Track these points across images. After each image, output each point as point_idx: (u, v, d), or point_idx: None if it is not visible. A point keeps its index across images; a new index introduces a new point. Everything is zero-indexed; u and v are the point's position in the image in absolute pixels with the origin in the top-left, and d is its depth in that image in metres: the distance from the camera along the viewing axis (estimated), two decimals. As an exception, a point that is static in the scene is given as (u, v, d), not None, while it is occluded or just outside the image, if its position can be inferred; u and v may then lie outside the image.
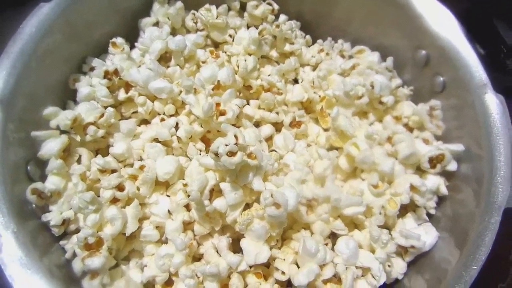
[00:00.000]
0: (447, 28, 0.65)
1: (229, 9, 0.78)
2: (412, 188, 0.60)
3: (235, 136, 0.52)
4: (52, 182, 0.55)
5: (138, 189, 0.58)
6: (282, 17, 0.76)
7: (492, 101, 0.58)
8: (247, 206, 0.58)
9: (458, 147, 0.61)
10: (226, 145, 0.51)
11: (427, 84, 0.69)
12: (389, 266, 0.58)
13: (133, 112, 0.68)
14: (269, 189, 0.54)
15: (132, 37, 0.74)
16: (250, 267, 0.55)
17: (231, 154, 0.51)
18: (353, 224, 0.62)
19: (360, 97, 0.69)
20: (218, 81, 0.66)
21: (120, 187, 0.57)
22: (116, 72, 0.65)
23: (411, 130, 0.69)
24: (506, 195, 0.53)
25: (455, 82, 0.63)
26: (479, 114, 0.58)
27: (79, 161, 0.60)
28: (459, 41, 0.63)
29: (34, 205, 0.55)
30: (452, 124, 0.65)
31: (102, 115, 0.60)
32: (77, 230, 0.56)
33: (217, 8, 0.74)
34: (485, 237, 0.51)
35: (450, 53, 0.63)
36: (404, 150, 0.61)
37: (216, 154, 0.52)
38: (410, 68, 0.73)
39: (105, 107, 0.65)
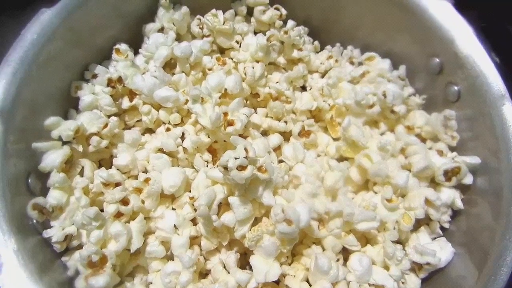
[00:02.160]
0: (462, 35, 0.62)
1: (236, 14, 0.76)
2: (427, 201, 0.58)
3: (245, 149, 0.50)
4: (53, 197, 0.53)
5: (143, 202, 0.56)
6: (290, 23, 0.74)
7: (511, 112, 0.56)
8: (256, 220, 0.56)
9: (475, 159, 0.59)
10: (236, 159, 0.49)
11: (440, 93, 0.67)
12: (402, 283, 0.56)
13: (137, 121, 0.66)
14: (280, 204, 0.52)
15: (135, 43, 0.72)
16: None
17: (241, 168, 0.49)
18: (365, 238, 0.60)
19: (371, 106, 0.67)
20: (225, 89, 0.64)
21: (124, 201, 0.54)
22: (119, 79, 0.63)
23: (424, 140, 0.67)
24: (527, 213, 0.51)
25: (471, 92, 0.61)
26: (497, 126, 0.56)
27: (81, 173, 0.58)
28: (475, 48, 0.61)
29: (34, 221, 0.52)
30: (466, 135, 0.63)
31: (106, 125, 0.58)
32: (80, 246, 0.54)
33: (223, 13, 0.72)
34: (506, 256, 0.49)
35: (465, 61, 0.61)
36: (418, 163, 0.59)
37: (226, 168, 0.49)
38: (422, 76, 0.71)
39: (108, 116, 0.63)
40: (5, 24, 0.75)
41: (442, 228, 0.61)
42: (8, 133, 0.52)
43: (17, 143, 0.53)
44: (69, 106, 0.64)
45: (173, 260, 0.55)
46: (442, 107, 0.66)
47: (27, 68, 0.55)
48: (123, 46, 0.67)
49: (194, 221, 0.57)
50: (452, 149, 0.64)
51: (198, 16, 0.73)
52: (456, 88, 0.64)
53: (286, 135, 0.69)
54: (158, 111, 0.65)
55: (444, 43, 0.64)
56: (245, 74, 0.67)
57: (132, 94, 0.65)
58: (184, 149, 0.61)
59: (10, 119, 0.52)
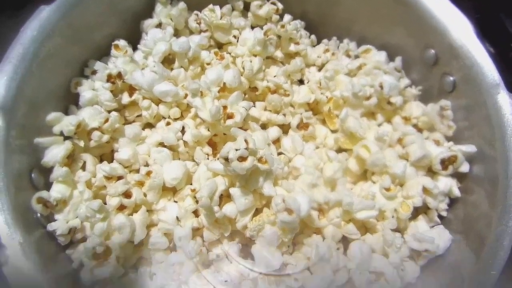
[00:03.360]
0: (456, 26, 0.63)
1: (233, 9, 0.76)
2: (424, 190, 0.59)
3: (245, 141, 0.51)
4: (57, 191, 0.54)
5: (145, 195, 0.57)
6: (287, 17, 0.75)
7: (505, 101, 0.56)
8: (257, 210, 0.57)
9: (471, 148, 0.60)
10: (237, 150, 0.50)
11: (436, 84, 0.68)
12: (402, 270, 0.57)
13: (137, 116, 0.67)
14: (280, 194, 0.53)
15: (134, 39, 0.72)
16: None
17: (242, 159, 0.50)
18: (364, 227, 0.61)
19: (368, 97, 0.68)
20: (224, 83, 0.64)
21: (126, 194, 0.55)
22: (119, 75, 0.63)
23: (420, 131, 0.68)
24: (523, 198, 0.52)
25: (466, 82, 0.62)
26: (492, 114, 0.57)
27: (83, 167, 0.59)
28: (469, 39, 0.61)
29: (39, 214, 0.53)
30: (462, 125, 0.64)
31: (107, 120, 0.59)
32: (84, 239, 0.55)
33: (220, 8, 0.73)
34: (503, 241, 0.50)
35: (460, 51, 0.61)
36: (415, 152, 0.60)
37: (226, 159, 0.50)
38: (418, 68, 0.72)
39: (109, 111, 0.63)
40: (4, 24, 0.76)
41: (440, 216, 0.62)
42: (10, 129, 0.52)
43: (19, 139, 0.54)
44: (69, 102, 0.65)
45: (176, 251, 0.56)
46: (438, 97, 0.67)
47: (27, 65, 0.56)
48: (122, 42, 0.68)
49: (196, 213, 0.58)
50: (448, 138, 0.65)
51: (195, 12, 0.74)
52: (451, 78, 0.64)
53: (284, 128, 0.70)
54: (157, 105, 0.65)
55: (439, 34, 0.65)
56: (243, 68, 0.68)
57: (131, 90, 0.65)
58: (185, 142, 0.62)
59: (11, 115, 0.53)
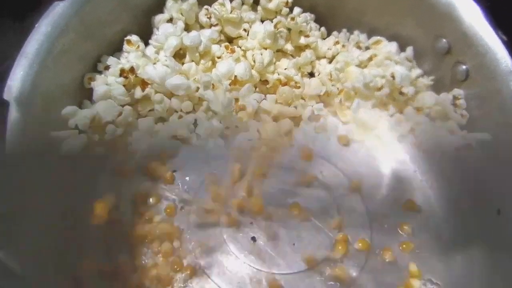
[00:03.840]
0: (468, 14, 0.63)
1: (243, 3, 0.77)
2: (438, 179, 0.58)
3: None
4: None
5: (159, 187, 0.58)
6: (297, 10, 0.75)
7: (520, 88, 0.56)
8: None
9: (485, 136, 0.59)
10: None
11: (448, 73, 0.67)
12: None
13: (150, 110, 0.67)
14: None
15: (145, 34, 0.73)
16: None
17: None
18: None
19: (380, 88, 0.67)
20: (235, 76, 0.65)
21: (142, 186, 0.56)
22: (132, 70, 0.64)
23: (433, 120, 0.68)
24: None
25: (480, 70, 0.61)
26: (507, 101, 0.56)
27: (98, 161, 0.60)
28: (482, 27, 0.61)
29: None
30: (476, 113, 0.63)
31: (120, 114, 0.59)
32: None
33: (230, 2, 0.73)
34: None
35: (473, 40, 0.61)
36: (428, 141, 0.60)
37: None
38: (429, 57, 0.71)
39: (122, 106, 0.64)
40: (11, 26, 0.76)
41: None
42: (26, 122, 0.53)
43: (35, 132, 0.55)
44: (82, 97, 0.65)
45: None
46: (450, 87, 0.67)
47: (42, 60, 0.56)
48: (134, 37, 0.69)
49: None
50: (462, 127, 0.65)
51: (205, 6, 0.74)
52: (464, 67, 0.64)
53: (296, 120, 0.70)
54: (170, 99, 0.66)
55: (451, 23, 0.64)
56: (254, 61, 0.68)
57: (144, 84, 0.66)
58: (197, 135, 0.62)
59: (27, 109, 0.53)
